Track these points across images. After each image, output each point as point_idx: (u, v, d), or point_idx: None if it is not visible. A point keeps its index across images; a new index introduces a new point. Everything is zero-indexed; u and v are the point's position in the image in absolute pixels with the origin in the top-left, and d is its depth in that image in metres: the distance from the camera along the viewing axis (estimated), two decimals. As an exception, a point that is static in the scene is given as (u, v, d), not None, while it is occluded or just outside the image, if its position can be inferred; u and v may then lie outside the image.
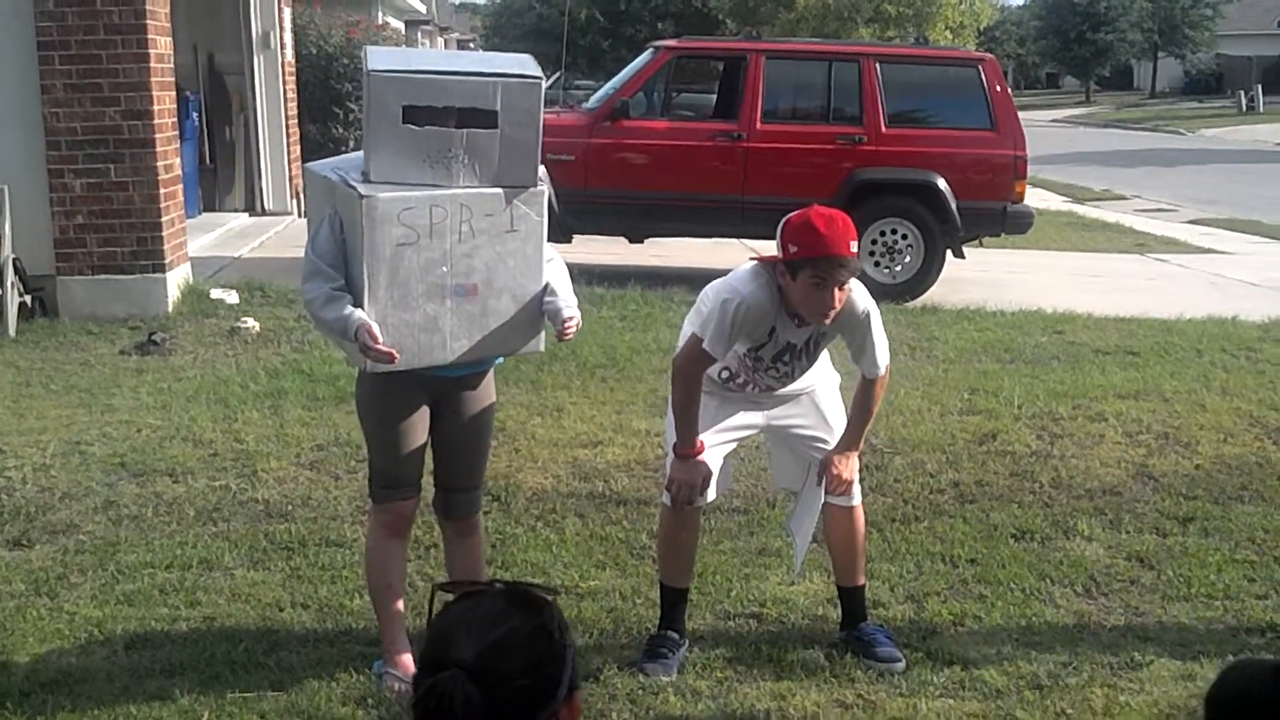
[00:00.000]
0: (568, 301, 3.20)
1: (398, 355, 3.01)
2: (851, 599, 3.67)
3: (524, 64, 3.22)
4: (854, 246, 3.21)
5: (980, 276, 9.87)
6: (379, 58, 3.14)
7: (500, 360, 3.42)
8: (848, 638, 3.62)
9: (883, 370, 3.46)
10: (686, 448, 3.40)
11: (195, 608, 3.81)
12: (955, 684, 3.45)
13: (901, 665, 3.51)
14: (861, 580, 3.71)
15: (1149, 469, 5.23)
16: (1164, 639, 3.77)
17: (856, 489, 3.60)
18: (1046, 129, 33.25)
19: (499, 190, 3.14)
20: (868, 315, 3.37)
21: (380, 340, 3.00)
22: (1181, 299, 9.06)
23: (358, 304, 3.05)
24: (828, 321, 3.29)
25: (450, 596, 1.56)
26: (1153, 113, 40.39)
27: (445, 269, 3.09)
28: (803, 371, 3.50)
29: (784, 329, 3.38)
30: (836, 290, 3.21)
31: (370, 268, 3.02)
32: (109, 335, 7.13)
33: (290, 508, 4.63)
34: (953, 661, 3.56)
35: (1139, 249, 12.50)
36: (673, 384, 3.44)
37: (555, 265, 3.29)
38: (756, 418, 3.58)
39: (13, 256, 7.24)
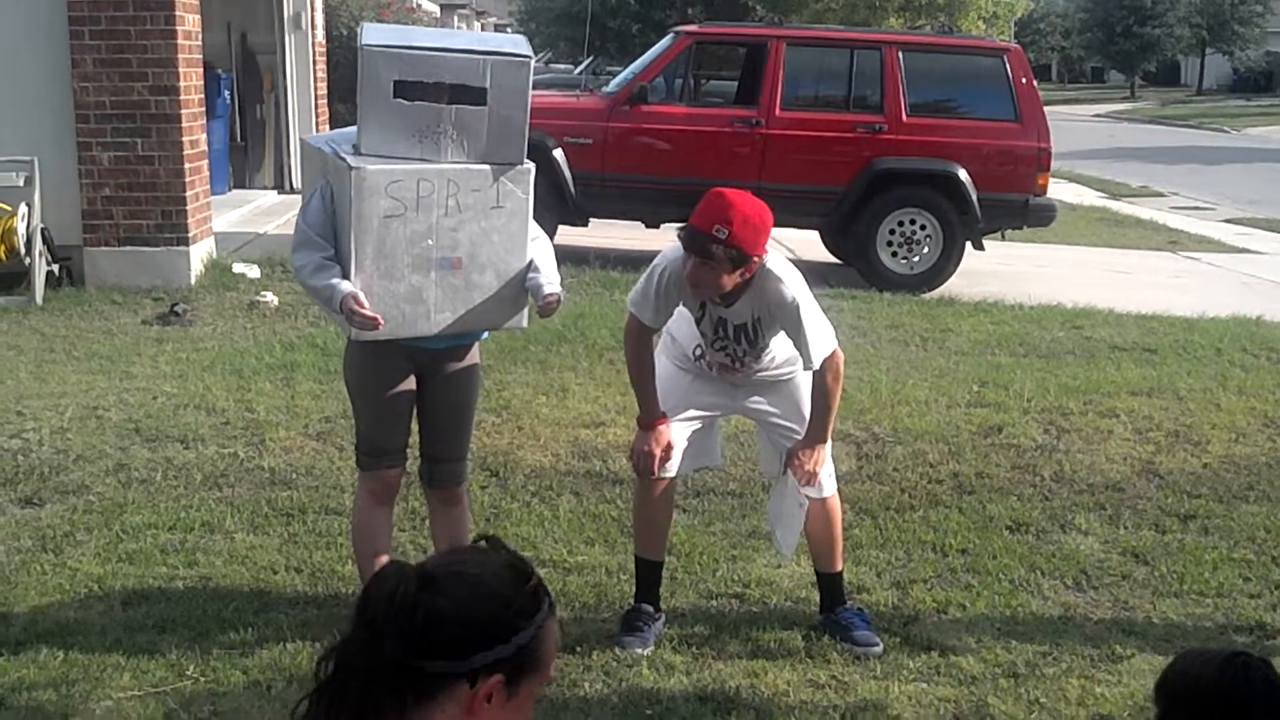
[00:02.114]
0: (549, 278, 3.26)
1: (382, 320, 3.08)
2: (829, 584, 3.70)
3: (516, 43, 3.28)
4: (721, 231, 3.17)
5: (1002, 270, 9.82)
6: (374, 33, 3.20)
7: (485, 335, 3.48)
8: (825, 621, 3.66)
9: (818, 363, 3.39)
10: (646, 417, 3.46)
11: (193, 568, 3.91)
12: (930, 669, 3.48)
13: (878, 649, 3.54)
14: (839, 566, 3.73)
15: (1155, 466, 5.21)
16: (1149, 634, 3.77)
17: (829, 481, 3.61)
18: (1089, 124, 32.86)
19: (486, 166, 3.20)
20: (796, 305, 3.33)
21: (366, 306, 3.07)
22: (1208, 297, 8.96)
23: (345, 274, 3.12)
24: (691, 293, 3.31)
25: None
26: (1198, 110, 39.67)
27: (431, 242, 3.15)
28: (749, 356, 3.50)
29: (711, 304, 3.41)
30: (693, 261, 3.21)
31: (357, 238, 3.09)
32: (132, 305, 7.27)
33: (294, 476, 4.73)
34: (931, 647, 3.59)
35: (1171, 246, 12.36)
36: (625, 356, 3.50)
37: (540, 243, 3.34)
38: (729, 400, 3.61)
39: (41, 227, 7.39)
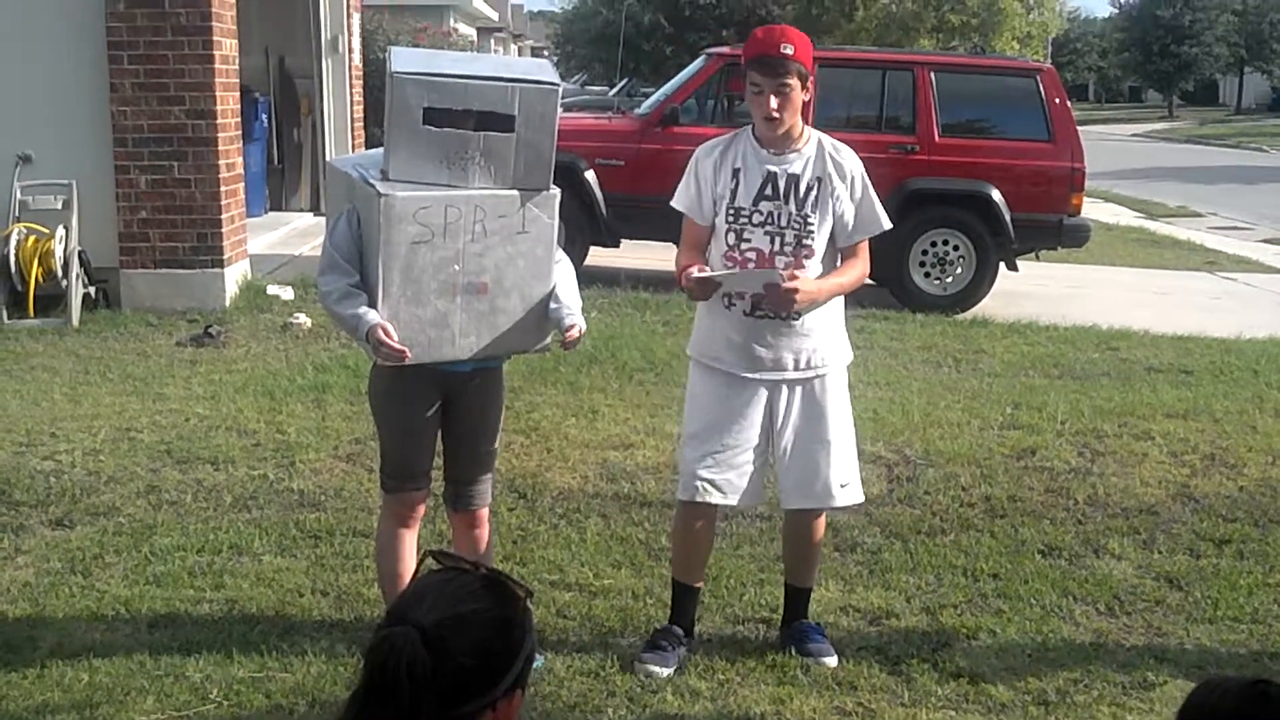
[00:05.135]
0: (571, 309, 3.25)
1: (409, 353, 3.09)
2: (795, 598, 3.70)
3: (543, 69, 3.29)
4: (788, 48, 3.29)
5: (1038, 291, 9.74)
6: (402, 59, 3.22)
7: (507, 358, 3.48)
8: (783, 635, 3.66)
9: (858, 238, 3.49)
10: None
11: (220, 590, 3.93)
12: (960, 696, 3.43)
13: (832, 661, 3.52)
14: (811, 584, 3.75)
15: (1190, 489, 5.13)
16: (1182, 660, 3.71)
17: (849, 492, 3.57)
18: (1126, 143, 32.60)
19: (513, 192, 3.21)
20: (856, 170, 3.47)
21: (394, 338, 3.09)
22: (1246, 319, 8.85)
23: (371, 298, 3.14)
24: (775, 130, 3.36)
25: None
26: (1237, 129, 39.26)
27: (457, 267, 3.16)
28: (790, 220, 3.42)
29: (748, 166, 3.44)
30: (772, 94, 3.31)
31: (385, 264, 3.10)
32: (167, 327, 7.35)
33: (323, 498, 4.75)
34: (960, 674, 3.54)
35: (1208, 267, 12.23)
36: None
37: (562, 268, 3.34)
38: (767, 421, 3.53)
39: (79, 249, 7.50)
